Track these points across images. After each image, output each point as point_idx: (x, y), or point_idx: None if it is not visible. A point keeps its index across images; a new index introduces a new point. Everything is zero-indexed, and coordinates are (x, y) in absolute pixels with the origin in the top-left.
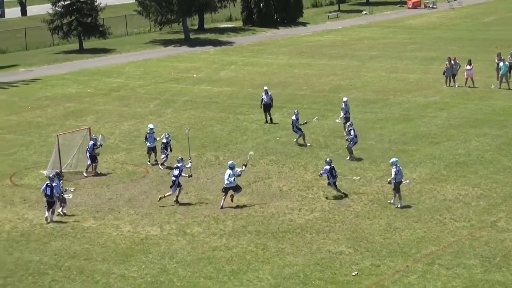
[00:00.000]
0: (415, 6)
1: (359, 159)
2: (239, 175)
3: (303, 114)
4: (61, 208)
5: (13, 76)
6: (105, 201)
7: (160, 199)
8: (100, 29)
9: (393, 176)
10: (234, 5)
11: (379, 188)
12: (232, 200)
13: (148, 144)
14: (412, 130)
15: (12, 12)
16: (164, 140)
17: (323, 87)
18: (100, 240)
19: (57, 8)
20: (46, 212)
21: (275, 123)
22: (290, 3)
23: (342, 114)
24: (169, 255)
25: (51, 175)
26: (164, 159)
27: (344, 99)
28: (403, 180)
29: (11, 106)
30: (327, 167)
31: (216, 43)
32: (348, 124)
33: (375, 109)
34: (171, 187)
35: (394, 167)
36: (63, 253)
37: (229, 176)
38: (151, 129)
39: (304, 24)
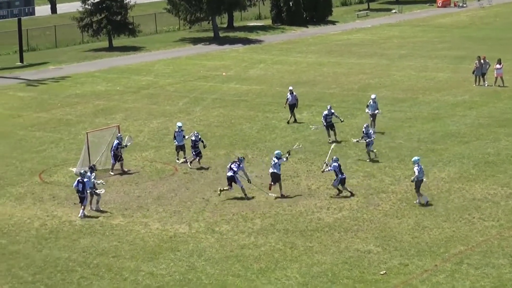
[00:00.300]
0: (445, 4)
1: (373, 161)
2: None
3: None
4: (96, 203)
5: (43, 73)
6: (134, 198)
7: (220, 192)
8: (130, 27)
9: (416, 174)
10: (264, 4)
11: (407, 187)
12: (270, 188)
13: (176, 142)
14: (441, 129)
15: (42, 10)
16: (193, 138)
17: (352, 85)
18: (129, 237)
19: (87, 6)
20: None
21: (300, 123)
22: (319, 2)
23: (367, 110)
24: (198, 253)
25: (82, 171)
26: (194, 157)
27: (373, 96)
28: (424, 179)
29: (41, 103)
30: (335, 164)
31: (245, 41)
32: (365, 125)
33: (404, 108)
34: (230, 184)
35: (416, 165)
36: (92, 250)
37: (275, 164)
38: (179, 127)
39: (333, 22)
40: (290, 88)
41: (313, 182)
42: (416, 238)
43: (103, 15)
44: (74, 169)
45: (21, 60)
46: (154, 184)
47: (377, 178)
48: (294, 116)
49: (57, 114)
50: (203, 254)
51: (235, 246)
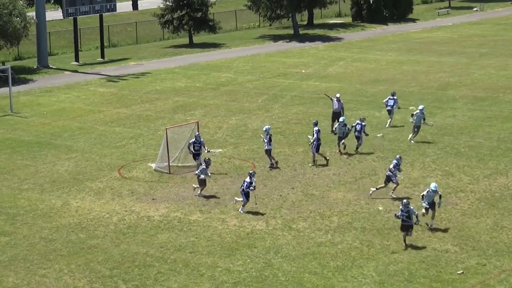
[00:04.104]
0: None
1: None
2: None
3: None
4: (200, 190)
5: (124, 69)
6: (212, 195)
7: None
8: (210, 23)
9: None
10: (344, 1)
11: (486, 187)
12: None
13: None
14: None
15: (124, 6)
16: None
17: (431, 84)
18: (206, 233)
19: (168, 3)
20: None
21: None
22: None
23: (411, 120)
24: (274, 250)
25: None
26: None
27: (421, 107)
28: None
29: (121, 99)
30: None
31: (325, 38)
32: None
33: (484, 107)
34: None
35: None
36: (169, 245)
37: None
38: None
39: (413, 20)
40: (338, 95)
41: None
42: (494, 238)
43: (184, 12)
44: (153, 165)
45: (102, 56)
46: (232, 181)
47: (455, 177)
48: (332, 126)
49: (137, 110)
50: (280, 251)
51: (312, 243)
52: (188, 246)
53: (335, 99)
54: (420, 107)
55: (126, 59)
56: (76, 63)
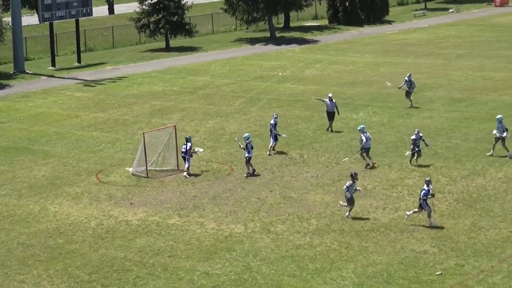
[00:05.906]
0: (503, 3)
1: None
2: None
3: (388, 113)
4: (348, 208)
5: (100, 74)
6: (190, 198)
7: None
8: (187, 27)
9: (365, 140)
10: (320, 4)
11: (464, 187)
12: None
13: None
14: None
15: (100, 11)
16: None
17: None
18: (185, 237)
19: (144, 7)
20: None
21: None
22: (376, 2)
23: (494, 132)
24: (253, 253)
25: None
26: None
27: (499, 116)
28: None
29: (98, 103)
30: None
31: (301, 41)
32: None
33: (461, 108)
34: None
35: (363, 134)
36: (148, 250)
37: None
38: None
39: (390, 22)
40: (330, 95)
41: (369, 182)
42: (472, 239)
43: (160, 16)
44: (130, 169)
45: (79, 61)
46: (210, 184)
47: (433, 178)
48: (331, 126)
49: (114, 114)
50: (258, 254)
51: (290, 246)
52: (167, 250)
53: (327, 99)
54: (498, 116)
55: (102, 63)
56: (52, 68)
